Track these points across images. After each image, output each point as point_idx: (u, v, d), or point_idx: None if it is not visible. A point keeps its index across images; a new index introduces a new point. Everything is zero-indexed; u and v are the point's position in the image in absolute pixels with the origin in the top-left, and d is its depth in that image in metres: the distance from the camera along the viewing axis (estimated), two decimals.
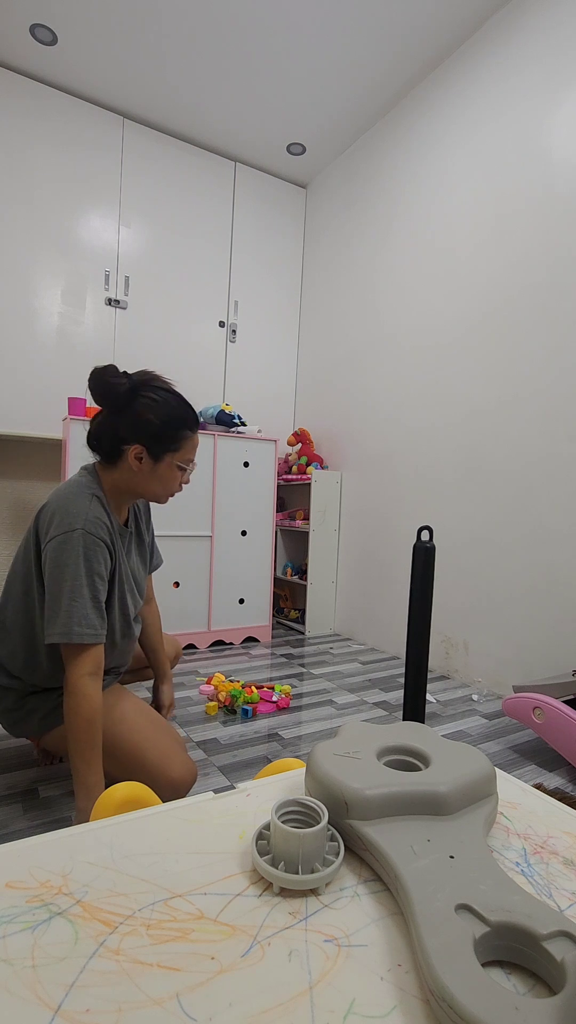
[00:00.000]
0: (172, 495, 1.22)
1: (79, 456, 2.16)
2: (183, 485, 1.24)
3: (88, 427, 1.18)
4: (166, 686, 1.42)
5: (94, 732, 1.02)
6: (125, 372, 1.14)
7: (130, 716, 1.14)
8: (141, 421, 1.12)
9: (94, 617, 1.05)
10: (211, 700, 1.83)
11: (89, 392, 1.12)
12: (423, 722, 1.53)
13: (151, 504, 1.34)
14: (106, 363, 1.12)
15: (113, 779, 1.00)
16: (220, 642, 2.56)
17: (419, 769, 0.44)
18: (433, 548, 1.44)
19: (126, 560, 1.22)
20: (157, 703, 1.40)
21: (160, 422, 1.13)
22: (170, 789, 1.07)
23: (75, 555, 1.05)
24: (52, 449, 2.92)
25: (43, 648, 1.13)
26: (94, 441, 1.18)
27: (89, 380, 1.11)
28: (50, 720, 1.16)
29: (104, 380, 1.10)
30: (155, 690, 1.42)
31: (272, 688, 1.88)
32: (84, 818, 1.00)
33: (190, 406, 1.20)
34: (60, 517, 1.08)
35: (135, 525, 1.28)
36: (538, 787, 1.30)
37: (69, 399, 2.22)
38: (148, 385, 1.15)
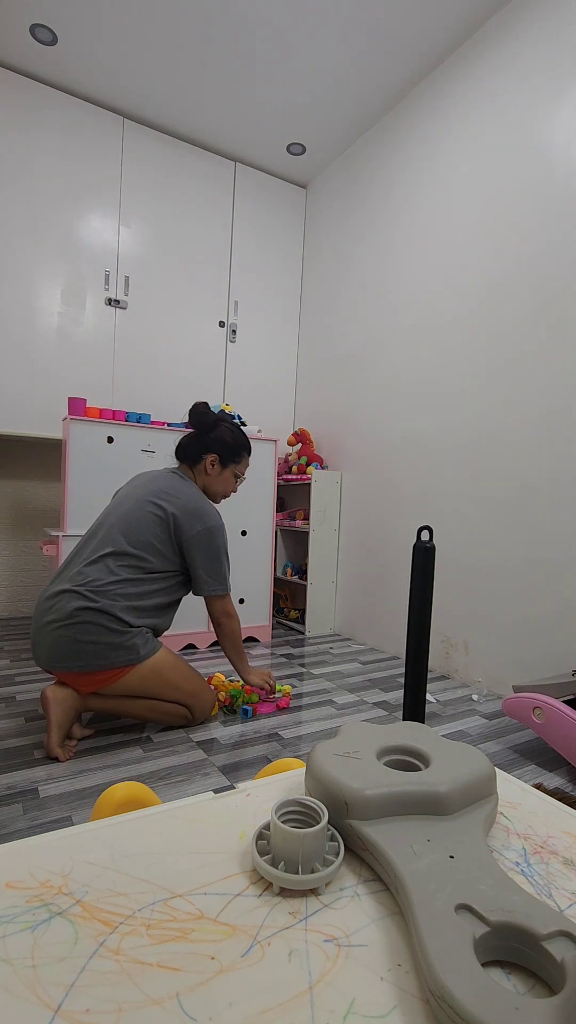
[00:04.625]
0: (227, 496, 1.79)
1: (79, 456, 2.18)
2: (232, 492, 1.80)
3: (178, 441, 1.75)
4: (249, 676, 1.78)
5: (240, 636, 1.70)
6: (213, 410, 1.77)
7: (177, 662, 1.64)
8: (220, 439, 1.71)
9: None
10: None
11: (188, 418, 1.73)
12: (423, 722, 1.52)
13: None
14: (199, 399, 1.83)
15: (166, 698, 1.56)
16: None
17: (419, 769, 0.44)
18: (433, 548, 1.44)
19: None
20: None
21: (231, 442, 1.72)
22: (200, 710, 1.63)
23: (222, 539, 1.63)
24: (52, 449, 2.92)
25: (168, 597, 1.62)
26: (182, 452, 1.73)
27: (190, 412, 1.72)
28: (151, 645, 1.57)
29: (201, 412, 1.71)
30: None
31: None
32: (250, 673, 1.74)
33: (248, 438, 1.78)
34: (203, 514, 1.60)
35: None
36: (538, 787, 1.30)
37: (69, 399, 2.22)
38: (226, 420, 1.76)
